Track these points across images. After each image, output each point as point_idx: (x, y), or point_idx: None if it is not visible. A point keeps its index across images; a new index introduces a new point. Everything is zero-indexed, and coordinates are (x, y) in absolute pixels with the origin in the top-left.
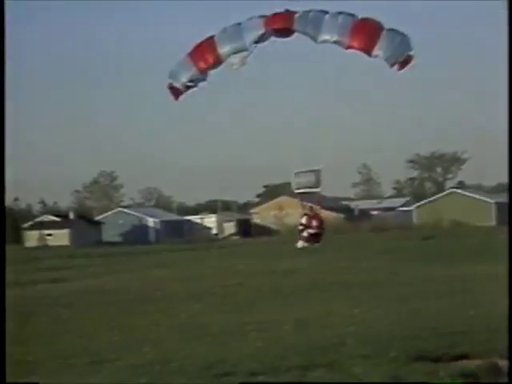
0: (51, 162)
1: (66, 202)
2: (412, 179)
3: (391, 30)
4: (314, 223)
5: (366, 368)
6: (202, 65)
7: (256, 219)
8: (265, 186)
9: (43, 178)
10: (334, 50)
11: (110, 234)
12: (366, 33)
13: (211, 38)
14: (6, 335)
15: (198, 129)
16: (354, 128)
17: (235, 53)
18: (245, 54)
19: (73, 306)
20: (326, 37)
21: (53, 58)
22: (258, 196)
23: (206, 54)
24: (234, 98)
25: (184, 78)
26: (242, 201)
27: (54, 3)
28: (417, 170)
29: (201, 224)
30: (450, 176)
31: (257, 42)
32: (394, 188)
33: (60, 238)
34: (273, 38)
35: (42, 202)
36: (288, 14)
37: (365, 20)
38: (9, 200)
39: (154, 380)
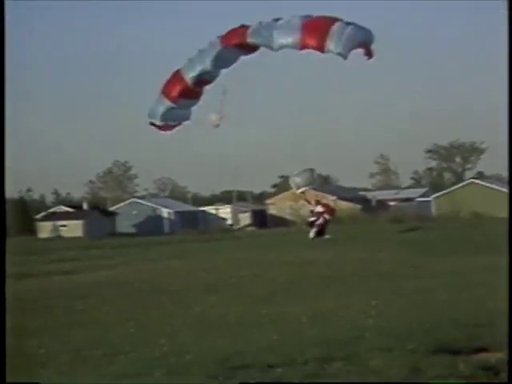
0: (64, 151)
1: (79, 192)
2: (430, 169)
3: (342, 23)
4: (325, 212)
5: (385, 361)
6: (173, 94)
7: (272, 210)
8: (280, 177)
9: (56, 168)
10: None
11: (124, 224)
12: (316, 30)
13: (178, 70)
14: (5, 335)
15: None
16: (371, 118)
17: (200, 76)
18: (220, 114)
19: (87, 298)
20: (281, 41)
21: (64, 44)
22: (274, 186)
23: (174, 85)
24: (249, 89)
25: (160, 113)
26: (257, 191)
27: None
28: (435, 160)
29: (216, 215)
30: (469, 166)
31: (218, 61)
32: (412, 178)
33: (73, 228)
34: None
35: (56, 193)
36: (242, 29)
37: (316, 18)
38: (22, 190)
39: (169, 372)
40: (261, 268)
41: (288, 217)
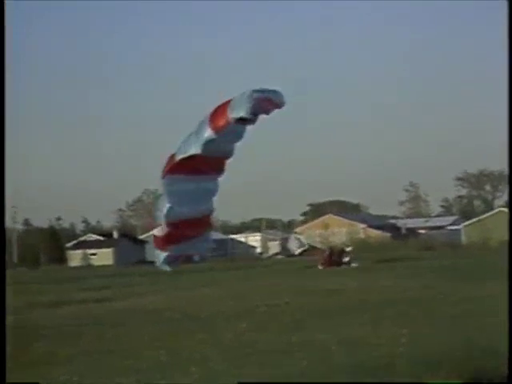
0: (93, 180)
1: (109, 220)
2: (460, 197)
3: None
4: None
5: None
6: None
7: (301, 238)
8: (309, 205)
9: (86, 196)
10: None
11: (153, 253)
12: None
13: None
14: (5, 335)
15: (241, 145)
16: (401, 146)
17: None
18: None
19: (117, 326)
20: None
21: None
22: (303, 214)
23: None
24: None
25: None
26: (286, 219)
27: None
28: (465, 187)
29: (245, 243)
30: (498, 194)
31: (211, 146)
32: (442, 206)
33: (103, 257)
34: None
35: (85, 221)
36: (224, 106)
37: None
38: (51, 219)
39: None
40: (290, 296)
41: (317, 245)
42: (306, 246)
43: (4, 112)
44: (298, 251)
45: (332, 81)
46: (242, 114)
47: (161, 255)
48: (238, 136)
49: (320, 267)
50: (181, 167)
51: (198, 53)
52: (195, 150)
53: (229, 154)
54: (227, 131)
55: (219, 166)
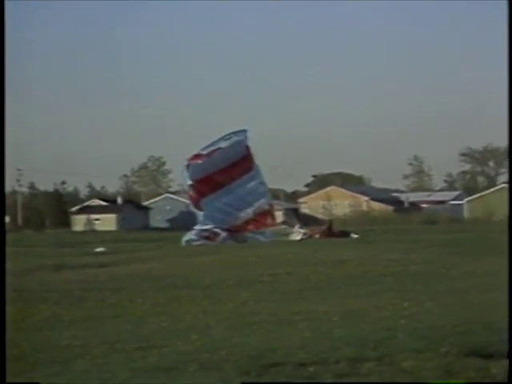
0: (100, 146)
1: (113, 186)
2: (464, 173)
3: None
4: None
5: (417, 362)
6: None
7: (304, 209)
8: (313, 176)
9: (91, 161)
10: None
11: (157, 219)
12: None
13: None
14: (5, 335)
15: (246, 115)
16: (406, 120)
17: None
18: None
19: (120, 291)
20: None
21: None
22: (307, 185)
23: None
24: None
25: None
26: (290, 190)
27: None
28: (469, 163)
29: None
30: (502, 171)
31: None
32: (446, 181)
33: (107, 222)
34: None
35: (90, 186)
36: None
37: None
38: (56, 183)
39: (202, 367)
40: (293, 266)
41: (320, 216)
42: (307, 235)
43: (4, 99)
44: (298, 238)
45: (333, 53)
46: None
47: None
48: None
49: (317, 236)
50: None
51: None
52: None
53: None
54: None
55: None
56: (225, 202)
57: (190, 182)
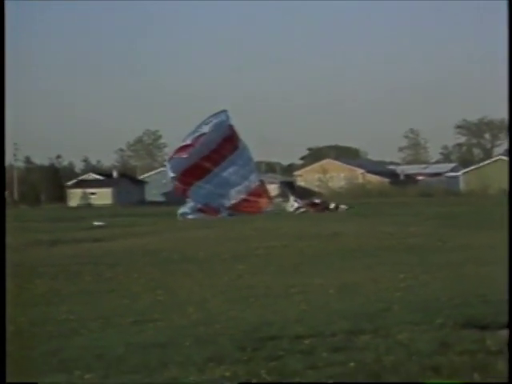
0: (94, 119)
1: (109, 160)
2: (460, 145)
3: None
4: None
5: (413, 335)
6: None
7: (300, 182)
8: (309, 149)
9: (86, 135)
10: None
11: (153, 193)
12: None
13: None
14: (6, 335)
15: (242, 86)
16: (401, 93)
17: None
18: None
19: (116, 266)
20: None
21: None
22: (302, 158)
23: None
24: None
25: None
26: (285, 163)
27: None
28: (465, 135)
29: None
30: (498, 143)
31: None
32: (441, 153)
33: (103, 196)
34: None
35: (85, 160)
36: None
37: None
38: (52, 157)
39: (198, 341)
40: (289, 239)
41: (316, 189)
42: (302, 209)
43: (4, 74)
44: (291, 210)
45: (333, 26)
46: None
47: None
48: None
49: (311, 210)
50: None
51: None
52: None
53: None
54: None
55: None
56: (213, 185)
57: (172, 175)
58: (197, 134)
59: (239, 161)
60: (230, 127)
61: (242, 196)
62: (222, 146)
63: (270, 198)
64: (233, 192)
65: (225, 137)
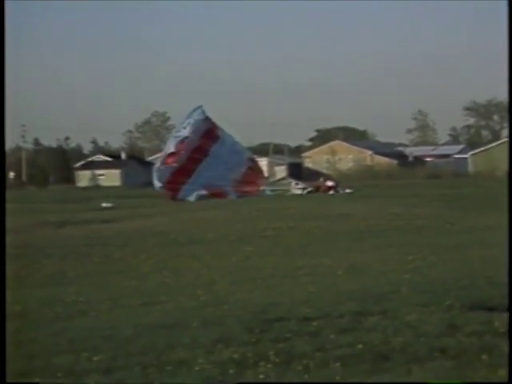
0: (103, 101)
1: (117, 142)
2: (468, 127)
3: None
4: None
5: (421, 316)
6: None
7: (308, 163)
8: (317, 130)
9: (94, 117)
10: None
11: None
12: None
13: None
14: (6, 334)
15: (249, 68)
16: (410, 74)
17: None
18: None
19: (124, 247)
20: None
21: None
22: (311, 140)
23: None
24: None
25: None
26: (294, 144)
27: None
28: (473, 117)
29: None
30: (507, 125)
31: None
32: (450, 135)
33: (111, 178)
34: None
35: (94, 142)
36: None
37: None
38: (60, 139)
39: (206, 323)
40: (296, 220)
41: (324, 170)
42: (308, 190)
43: (4, 64)
44: (299, 192)
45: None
46: None
47: None
48: None
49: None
50: None
51: None
52: None
53: None
54: None
55: None
56: (205, 178)
57: (159, 185)
58: (179, 140)
59: (223, 148)
60: (207, 121)
61: (238, 178)
62: (204, 141)
63: (263, 175)
64: (227, 176)
65: (204, 131)
